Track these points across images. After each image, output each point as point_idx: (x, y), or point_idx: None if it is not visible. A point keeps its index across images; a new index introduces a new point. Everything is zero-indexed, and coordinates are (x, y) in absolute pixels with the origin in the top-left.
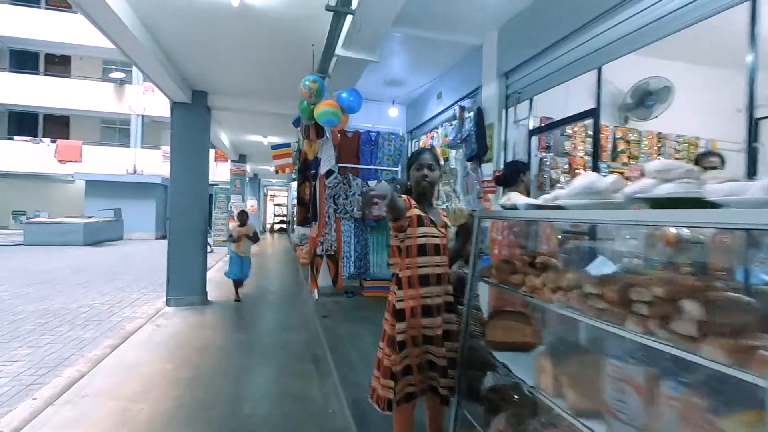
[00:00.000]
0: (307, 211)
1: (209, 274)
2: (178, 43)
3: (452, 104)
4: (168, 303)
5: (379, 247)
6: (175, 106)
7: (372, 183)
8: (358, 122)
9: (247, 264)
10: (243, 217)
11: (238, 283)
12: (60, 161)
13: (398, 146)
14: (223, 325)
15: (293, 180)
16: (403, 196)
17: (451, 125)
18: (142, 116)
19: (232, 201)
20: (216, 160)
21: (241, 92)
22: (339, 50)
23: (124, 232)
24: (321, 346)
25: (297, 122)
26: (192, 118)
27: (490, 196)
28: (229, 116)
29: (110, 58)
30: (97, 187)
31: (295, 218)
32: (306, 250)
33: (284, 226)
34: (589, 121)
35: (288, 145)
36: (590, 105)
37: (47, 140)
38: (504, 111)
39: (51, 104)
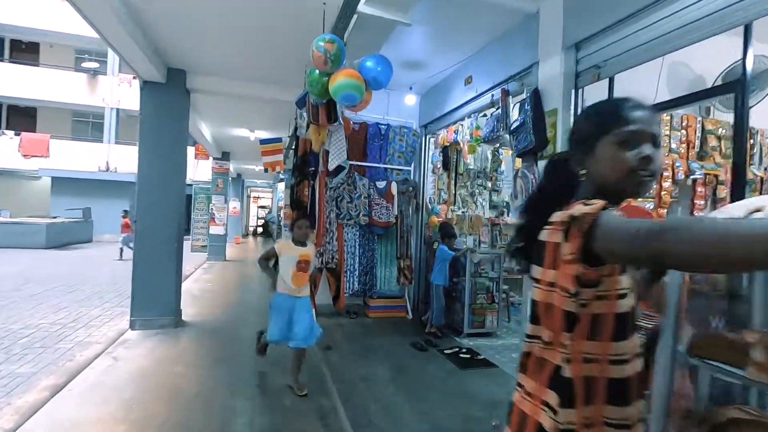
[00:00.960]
0: (305, 215)
1: (185, 284)
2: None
3: (488, 89)
4: (132, 326)
5: (387, 260)
6: (145, 86)
7: (381, 184)
8: (365, 112)
9: (306, 313)
10: (303, 227)
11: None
12: (24, 156)
13: (411, 142)
14: (199, 359)
15: (280, 181)
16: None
17: (486, 116)
18: (117, 110)
19: (213, 202)
20: (196, 156)
21: (227, 71)
22: (362, 6)
23: (93, 233)
24: (328, 393)
25: (302, 101)
26: (167, 101)
27: None
28: (212, 103)
29: (83, 46)
30: (65, 184)
31: (284, 223)
32: None
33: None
34: (679, 111)
35: (279, 140)
36: (662, 92)
37: (10, 132)
38: (573, 93)
39: (16, 94)
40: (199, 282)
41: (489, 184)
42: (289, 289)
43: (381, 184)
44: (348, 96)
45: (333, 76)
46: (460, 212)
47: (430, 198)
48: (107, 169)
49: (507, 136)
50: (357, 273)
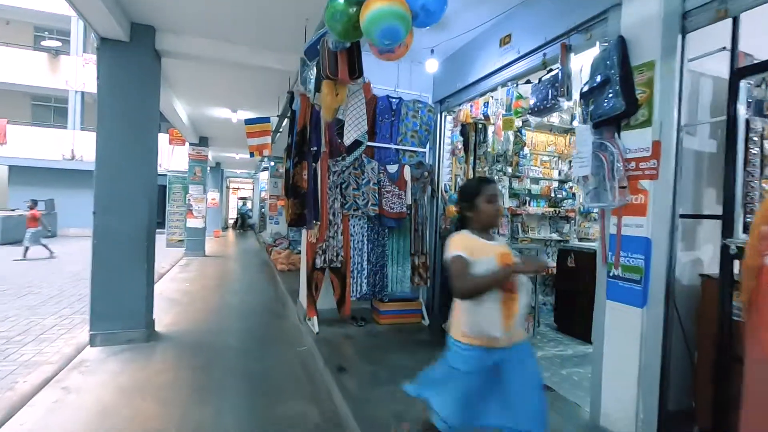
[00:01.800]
0: (303, 205)
1: (159, 285)
2: None
3: (536, 48)
4: (93, 342)
5: (399, 257)
6: (104, 46)
7: (392, 168)
8: (372, 82)
9: (532, 373)
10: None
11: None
12: None
13: (426, 119)
14: (178, 388)
15: (263, 170)
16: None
17: (533, 83)
18: (83, 93)
19: (190, 192)
20: (171, 142)
21: (207, 30)
22: None
23: (57, 227)
24: None
25: (313, 50)
26: (132, 65)
27: (645, 185)
28: (189, 75)
29: (43, 23)
30: (24, 173)
31: (269, 215)
32: (285, 254)
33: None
34: None
35: (266, 119)
36: None
37: None
38: (680, 39)
39: None
40: (176, 282)
41: (509, 170)
42: (500, 330)
43: (392, 169)
44: (390, 31)
45: (367, 3)
46: None
47: (445, 185)
48: (72, 158)
49: (566, 103)
50: (365, 273)
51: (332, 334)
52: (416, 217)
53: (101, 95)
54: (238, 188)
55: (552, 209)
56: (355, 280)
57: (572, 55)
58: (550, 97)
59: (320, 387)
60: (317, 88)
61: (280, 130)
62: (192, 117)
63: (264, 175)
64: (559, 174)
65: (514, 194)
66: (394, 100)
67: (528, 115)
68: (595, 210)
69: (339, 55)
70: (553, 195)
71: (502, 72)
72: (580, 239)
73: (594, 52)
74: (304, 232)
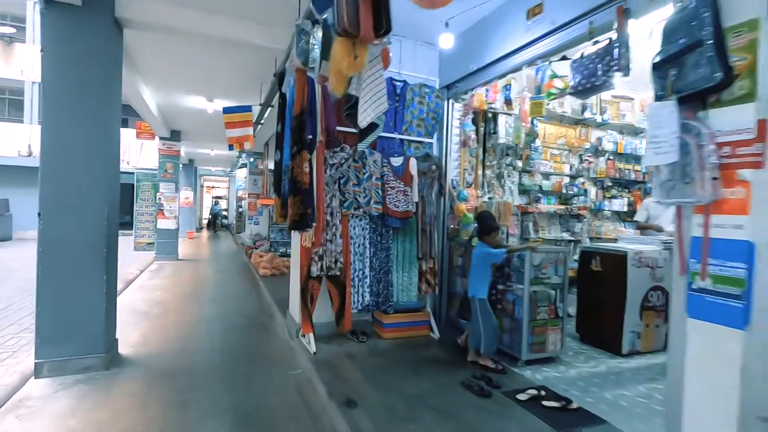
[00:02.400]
0: (305, 204)
1: (126, 296)
2: None
3: (579, 17)
4: (38, 373)
5: (405, 262)
6: (50, 9)
7: (397, 161)
8: None
9: None
10: None
11: None
12: None
13: (434, 106)
14: None
15: (241, 167)
16: None
17: (570, 59)
18: (40, 84)
19: (161, 191)
20: (139, 136)
21: None
22: None
23: (12, 230)
24: None
25: None
26: (86, 35)
27: (746, 175)
28: (158, 56)
29: None
30: None
31: (248, 215)
32: (268, 257)
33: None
34: None
35: (248, 108)
36: None
37: None
38: None
39: None
40: (145, 290)
41: (519, 164)
42: None
43: (397, 161)
44: None
45: None
46: (486, 198)
47: (453, 180)
48: (29, 154)
49: (619, 79)
50: (368, 281)
51: (331, 353)
52: (423, 217)
53: (47, 72)
54: (213, 187)
55: (563, 207)
56: (356, 289)
57: (633, 17)
58: (599, 72)
59: (326, 426)
60: (325, 55)
61: (262, 121)
62: (162, 107)
63: (242, 173)
64: (570, 169)
65: (524, 190)
66: (398, 83)
67: (570, 95)
68: (607, 208)
69: (361, 2)
70: (564, 191)
71: (530, 48)
72: (592, 239)
73: (658, 15)
74: (295, 234)
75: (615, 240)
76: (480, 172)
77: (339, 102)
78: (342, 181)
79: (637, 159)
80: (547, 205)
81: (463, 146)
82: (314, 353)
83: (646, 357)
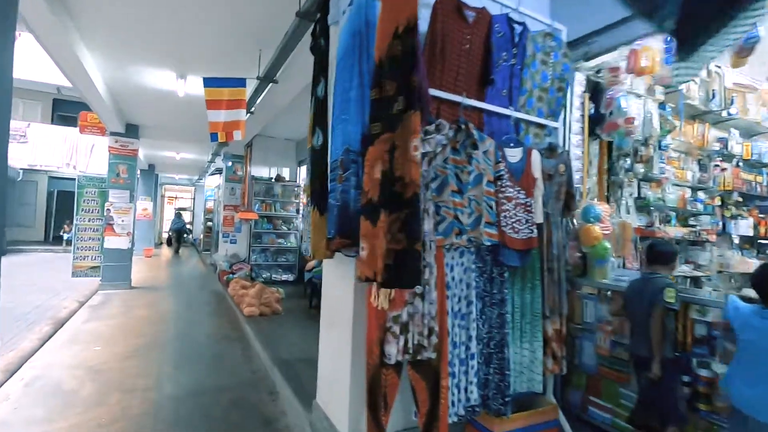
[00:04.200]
0: (412, 230)
1: (42, 358)
2: None
3: None
4: None
5: (525, 322)
6: None
7: (513, 154)
8: None
9: None
10: None
11: None
12: None
13: (560, 71)
14: None
15: (214, 173)
16: None
17: None
18: None
19: (110, 200)
20: (84, 130)
21: None
22: None
23: None
24: None
25: None
26: None
27: None
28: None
29: None
30: None
31: (222, 231)
32: (255, 289)
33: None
34: None
35: (240, 82)
36: None
37: None
38: None
39: None
40: (78, 342)
41: (641, 168)
42: None
43: (513, 155)
44: None
45: None
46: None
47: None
48: None
49: None
50: (475, 362)
51: None
52: (549, 248)
53: None
54: (176, 197)
55: (685, 229)
56: (455, 379)
57: None
58: None
59: None
60: None
61: (252, 110)
62: (114, 87)
63: (213, 180)
64: (693, 178)
65: (643, 206)
66: (517, 26)
67: None
68: (734, 231)
69: None
70: (686, 207)
71: None
72: (720, 273)
73: None
74: (342, 277)
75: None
76: (606, 179)
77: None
78: (435, 186)
79: (764, 166)
80: (674, 228)
81: (592, 136)
82: None
83: None
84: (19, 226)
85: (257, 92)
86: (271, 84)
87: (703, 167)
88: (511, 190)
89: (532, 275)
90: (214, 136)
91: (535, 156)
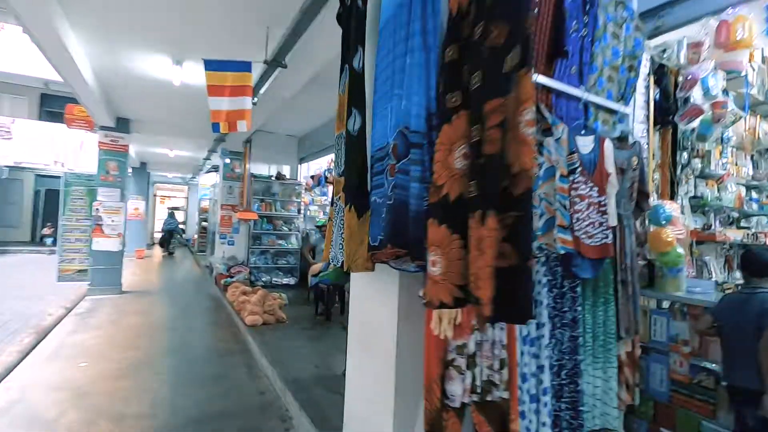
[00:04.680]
0: (523, 239)
1: (18, 375)
2: None
3: None
4: None
5: (597, 345)
6: None
7: (585, 143)
8: None
9: None
10: None
11: None
12: None
13: (632, 46)
14: None
15: (210, 171)
16: None
17: None
18: None
19: (99, 199)
20: (71, 124)
21: None
22: None
23: None
24: None
25: None
26: None
27: None
28: None
29: None
30: None
31: (219, 232)
32: (257, 296)
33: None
34: None
35: (245, 66)
36: None
37: None
38: None
39: None
40: (62, 357)
41: (698, 164)
42: None
43: (585, 144)
44: None
45: None
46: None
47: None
48: None
49: None
50: (547, 399)
51: None
52: (622, 256)
53: None
54: (168, 196)
55: (740, 232)
56: (526, 419)
57: None
58: None
59: None
60: None
61: (255, 101)
62: (102, 75)
63: (209, 179)
64: (747, 174)
65: (700, 206)
66: None
67: None
68: None
69: None
70: (743, 208)
71: None
72: None
73: None
74: (387, 295)
75: None
76: (676, 174)
77: None
78: None
79: None
80: (734, 230)
81: (659, 126)
82: None
83: None
84: (4, 226)
85: (262, 80)
86: (278, 70)
87: (755, 163)
88: (584, 186)
89: (605, 289)
90: (215, 126)
91: (609, 146)
